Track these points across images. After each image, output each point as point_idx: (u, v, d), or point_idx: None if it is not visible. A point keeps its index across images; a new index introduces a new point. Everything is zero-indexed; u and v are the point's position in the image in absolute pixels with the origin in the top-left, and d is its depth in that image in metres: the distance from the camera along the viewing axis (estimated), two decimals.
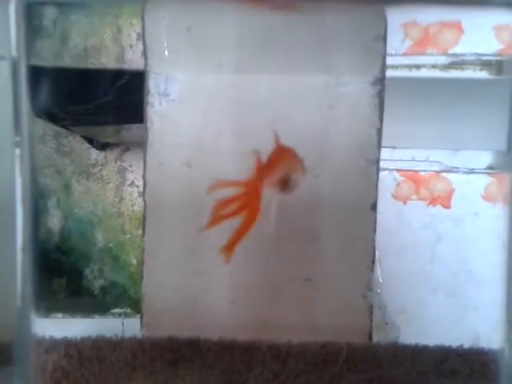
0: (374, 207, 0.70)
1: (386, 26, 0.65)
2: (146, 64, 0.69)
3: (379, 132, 0.68)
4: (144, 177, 0.70)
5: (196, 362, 0.44)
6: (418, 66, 1.08)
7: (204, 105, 0.69)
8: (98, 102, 1.31)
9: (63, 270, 1.56)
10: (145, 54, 0.69)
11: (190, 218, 0.70)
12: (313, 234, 0.69)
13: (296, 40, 0.67)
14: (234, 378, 0.42)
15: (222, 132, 0.69)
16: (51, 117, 1.40)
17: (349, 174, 0.69)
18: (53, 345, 0.45)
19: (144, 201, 0.71)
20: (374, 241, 0.70)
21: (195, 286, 0.70)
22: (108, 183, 1.61)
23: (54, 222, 1.58)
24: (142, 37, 0.69)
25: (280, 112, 0.69)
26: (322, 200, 0.69)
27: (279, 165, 0.52)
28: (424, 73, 1.08)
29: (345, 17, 0.67)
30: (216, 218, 0.48)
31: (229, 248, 0.46)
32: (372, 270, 0.69)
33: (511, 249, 0.46)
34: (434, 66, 1.08)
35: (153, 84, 0.69)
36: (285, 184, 0.48)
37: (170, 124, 0.69)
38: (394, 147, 1.17)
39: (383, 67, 0.67)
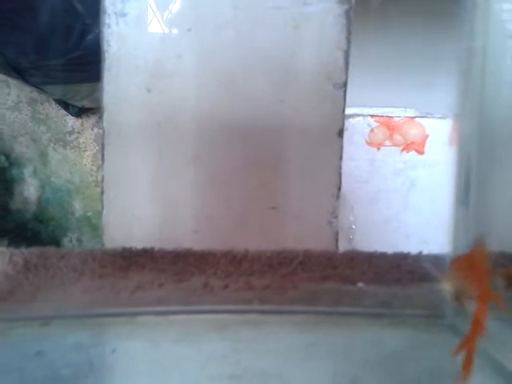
0: (340, 133, 0.68)
1: None
2: None
3: (346, 54, 0.66)
4: (102, 103, 0.67)
5: (148, 266, 0.43)
6: None
7: (164, 26, 0.66)
8: (70, 57, 1.25)
9: (41, 240, 1.53)
10: None
11: (150, 146, 0.68)
12: (277, 161, 0.68)
13: None
14: (186, 278, 0.40)
15: (182, 55, 0.66)
16: (21, 73, 1.34)
17: (315, 99, 0.67)
18: None
19: (102, 128, 0.68)
20: (340, 168, 0.68)
21: (158, 216, 0.68)
22: (85, 151, 1.57)
23: (31, 191, 1.54)
24: None
25: (243, 33, 0.66)
26: (287, 126, 0.67)
27: None
28: None
29: None
30: None
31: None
32: (337, 197, 0.68)
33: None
34: None
35: (109, 3, 0.65)
36: None
37: (128, 46, 0.66)
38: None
39: None
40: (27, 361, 0.29)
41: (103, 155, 0.68)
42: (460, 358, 0.30)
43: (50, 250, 0.46)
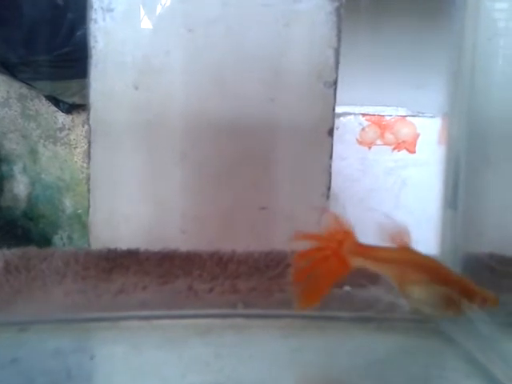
0: (330, 132, 0.67)
1: None
2: None
3: (337, 52, 0.65)
4: (88, 100, 0.66)
5: (132, 269, 0.42)
6: None
7: (151, 21, 0.65)
8: (59, 53, 1.23)
9: (31, 237, 1.51)
10: None
11: (138, 144, 0.66)
12: (267, 160, 0.67)
13: None
14: (170, 281, 0.39)
15: (170, 51, 0.65)
16: (10, 69, 1.32)
17: (305, 98, 0.66)
18: None
19: (89, 125, 0.66)
20: (330, 167, 0.68)
21: (145, 215, 0.67)
22: (76, 148, 1.55)
23: (21, 188, 1.52)
24: None
25: (233, 30, 0.65)
26: (276, 125, 0.66)
27: None
28: None
29: None
30: (298, 272, 0.37)
31: (308, 301, 0.35)
32: (328, 196, 0.67)
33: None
34: None
35: None
36: None
37: (116, 42, 0.65)
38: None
39: None
40: (2, 368, 0.28)
41: (90, 153, 0.67)
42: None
43: (33, 250, 0.44)
